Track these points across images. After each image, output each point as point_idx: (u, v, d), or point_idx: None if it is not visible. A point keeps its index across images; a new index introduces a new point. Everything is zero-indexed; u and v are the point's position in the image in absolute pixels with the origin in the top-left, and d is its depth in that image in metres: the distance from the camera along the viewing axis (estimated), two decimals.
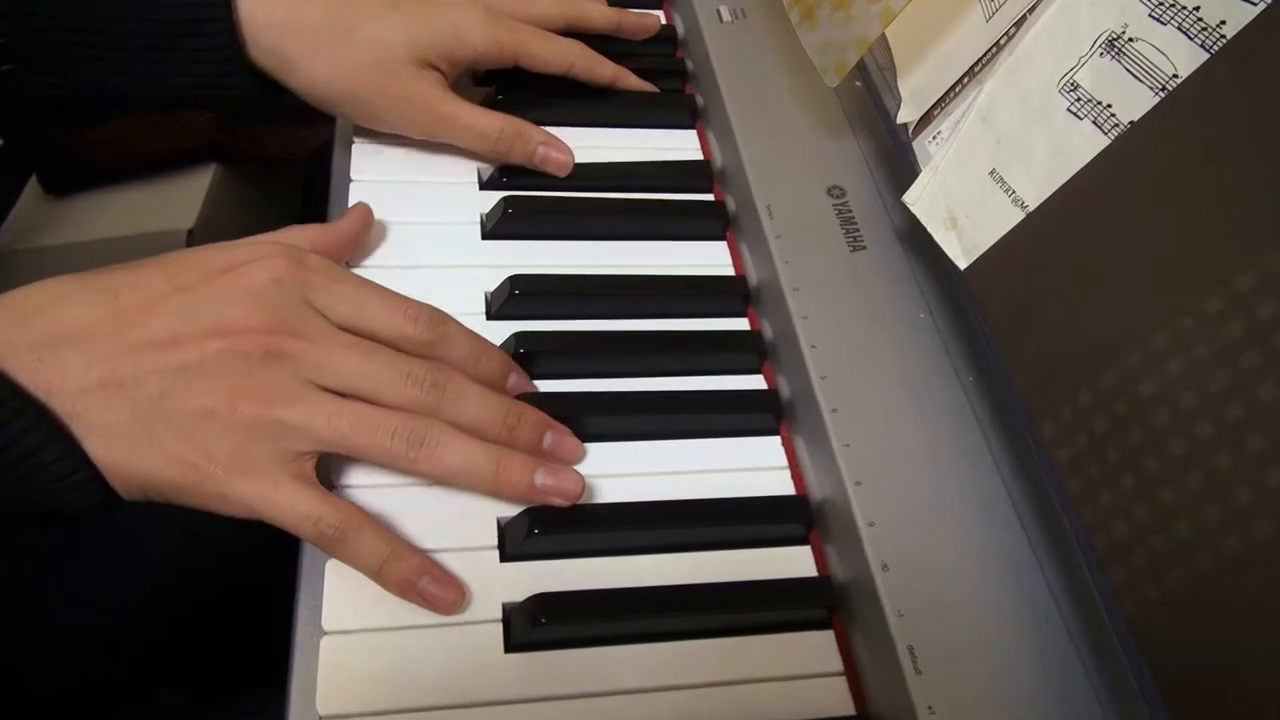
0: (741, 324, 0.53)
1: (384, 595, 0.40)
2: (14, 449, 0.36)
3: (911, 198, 0.48)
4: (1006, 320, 0.42)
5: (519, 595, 0.41)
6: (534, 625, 0.39)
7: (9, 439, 0.36)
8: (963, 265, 0.45)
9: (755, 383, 0.50)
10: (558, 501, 0.42)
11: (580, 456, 0.45)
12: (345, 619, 0.40)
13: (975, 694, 0.38)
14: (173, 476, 0.38)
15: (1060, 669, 0.39)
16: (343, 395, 0.41)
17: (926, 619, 0.39)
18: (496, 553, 0.42)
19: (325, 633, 0.39)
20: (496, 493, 0.42)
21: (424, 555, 0.41)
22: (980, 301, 0.44)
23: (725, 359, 0.51)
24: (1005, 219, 0.44)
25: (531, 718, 0.38)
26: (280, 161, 0.95)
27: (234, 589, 0.62)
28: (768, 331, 0.51)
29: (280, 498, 0.39)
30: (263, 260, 0.42)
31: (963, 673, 0.38)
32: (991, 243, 0.44)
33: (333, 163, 0.57)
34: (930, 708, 0.37)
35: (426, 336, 0.43)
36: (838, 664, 0.42)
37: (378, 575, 0.40)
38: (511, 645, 0.40)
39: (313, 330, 0.41)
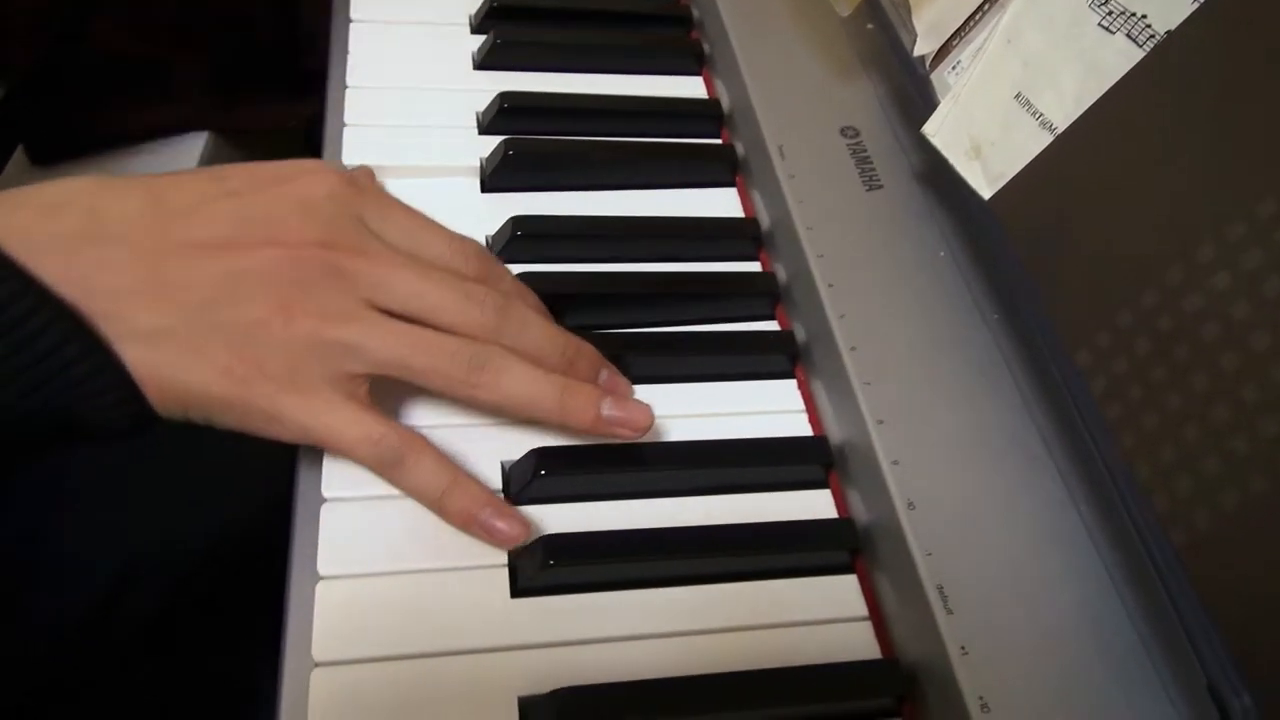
0: (753, 267, 0.51)
1: (382, 539, 0.38)
2: (32, 348, 0.32)
3: (931, 129, 0.46)
4: (1035, 248, 0.40)
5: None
6: (542, 568, 0.37)
7: (25, 337, 0.32)
8: (987, 195, 0.43)
9: (769, 328, 0.48)
10: (625, 434, 0.40)
11: (630, 393, 0.43)
12: (342, 564, 0.37)
13: (1009, 632, 0.36)
14: (221, 391, 0.35)
15: (1096, 601, 0.37)
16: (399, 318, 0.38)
17: (955, 557, 0.37)
18: (500, 496, 0.40)
19: (321, 578, 0.37)
20: (562, 422, 0.40)
21: (486, 487, 0.39)
22: (1007, 230, 0.42)
23: (738, 303, 0.48)
24: (1032, 143, 0.41)
25: (538, 664, 0.36)
26: (270, 132, 0.93)
27: (236, 550, 0.60)
28: (781, 274, 0.49)
29: (337, 418, 0.36)
30: (316, 174, 0.39)
31: (995, 611, 0.36)
32: (1018, 169, 0.42)
33: (324, 132, 0.55)
34: (963, 648, 0.35)
35: (476, 268, 0.41)
36: (862, 608, 0.39)
37: (438, 503, 0.38)
38: (518, 590, 0.38)
39: (370, 248, 0.38)
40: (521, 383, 0.39)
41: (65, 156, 0.86)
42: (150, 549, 0.57)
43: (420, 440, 0.38)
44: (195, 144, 0.88)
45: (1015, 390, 0.43)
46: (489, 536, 0.38)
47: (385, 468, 0.37)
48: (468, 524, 0.38)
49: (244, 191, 0.38)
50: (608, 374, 0.42)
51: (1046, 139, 0.41)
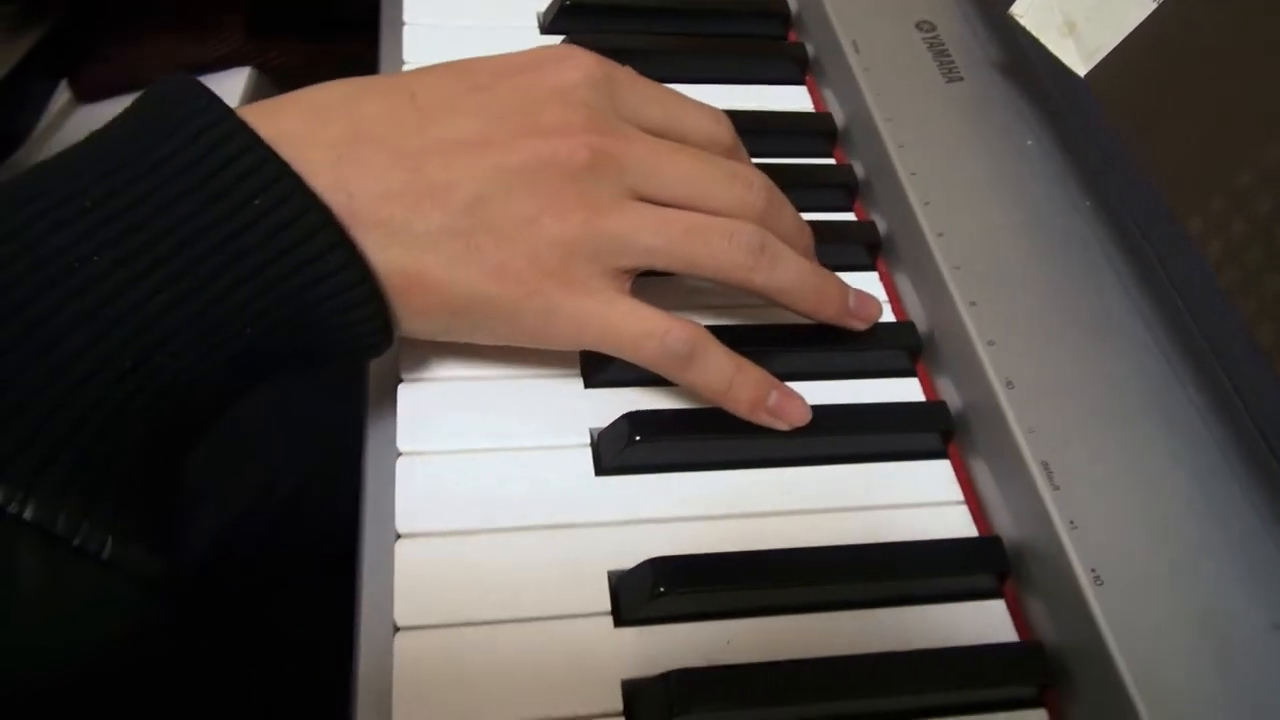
0: (827, 163, 0.49)
1: (459, 412, 0.37)
2: (295, 254, 0.31)
3: (1020, 9, 0.44)
4: (1136, 121, 0.39)
5: (607, 420, 0.38)
6: (628, 444, 0.36)
7: (291, 243, 0.30)
8: (1082, 72, 0.41)
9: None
10: (860, 327, 0.40)
11: None
12: (422, 440, 0.36)
13: (1118, 506, 0.34)
14: (494, 290, 0.34)
15: (1209, 479, 0.35)
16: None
17: (1058, 434, 0.36)
18: (580, 378, 0.39)
19: (401, 453, 0.36)
20: (816, 312, 0.39)
21: (764, 370, 0.37)
22: (1105, 105, 0.40)
23: (812, 194, 0.47)
24: (1132, 13, 0.40)
25: (622, 539, 0.35)
26: (310, 68, 0.92)
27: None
28: (859, 169, 0.48)
29: (616, 313, 0.35)
30: (567, 59, 0.37)
31: (1102, 486, 0.35)
32: (1116, 42, 0.40)
33: (381, 34, 0.53)
34: (1072, 522, 0.34)
35: (731, 142, 0.40)
36: (957, 493, 0.38)
37: (726, 394, 0.36)
38: (602, 468, 0.37)
39: (633, 133, 0.36)
40: (794, 271, 0.37)
41: (108, 93, 0.85)
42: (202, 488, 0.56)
43: (704, 332, 0.36)
44: (238, 80, 0.87)
45: (1110, 272, 0.41)
46: (774, 419, 0.37)
47: (672, 363, 0.36)
48: (756, 410, 0.37)
49: (493, 84, 0.36)
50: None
51: (1149, 8, 0.39)
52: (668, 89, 0.40)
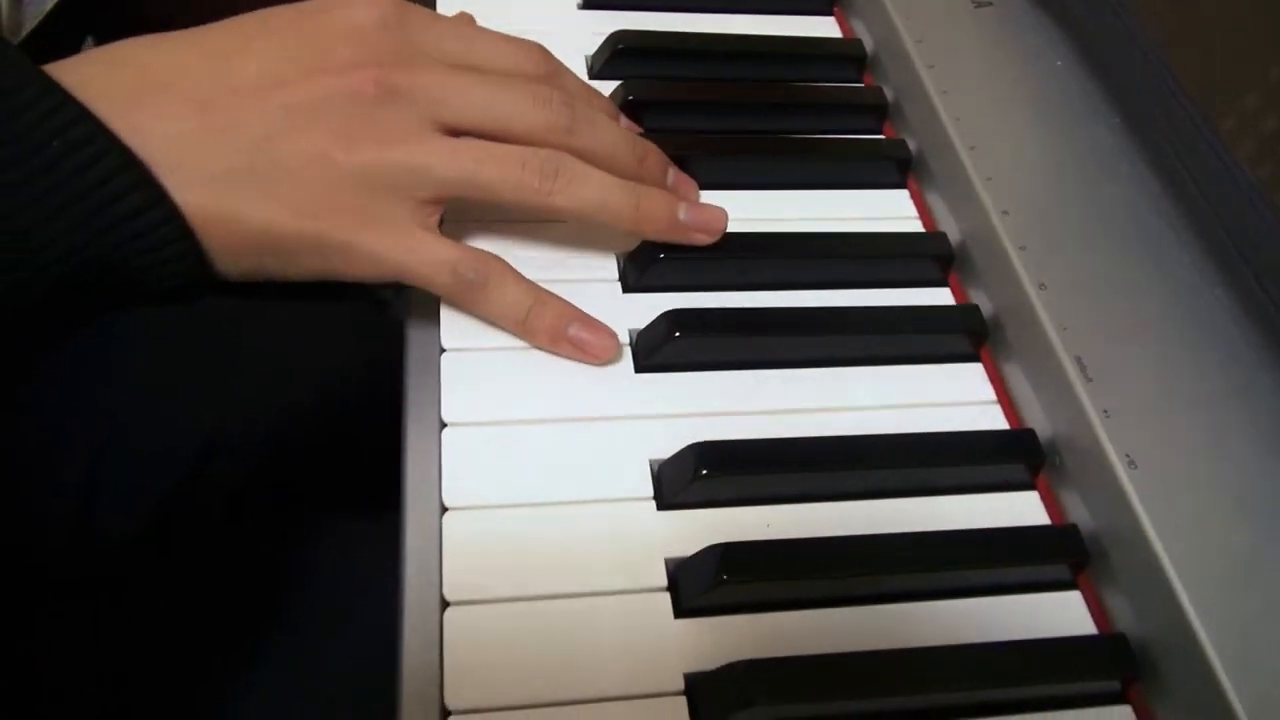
0: (857, 86, 0.50)
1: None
2: (98, 194, 0.31)
3: None
4: (1168, 26, 0.39)
5: (646, 320, 0.38)
6: (667, 340, 0.37)
7: (93, 183, 0.31)
8: None
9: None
10: (701, 239, 0.39)
11: (698, 195, 0.42)
12: (461, 338, 0.37)
13: (1151, 394, 0.35)
14: (291, 228, 0.34)
15: (1238, 370, 0.35)
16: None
17: (1090, 330, 0.36)
18: (619, 284, 0.40)
19: (445, 350, 0.37)
20: (637, 229, 0.38)
21: (569, 303, 0.38)
22: (1137, 13, 0.40)
23: (844, 117, 0.47)
24: None
25: (661, 433, 0.36)
26: None
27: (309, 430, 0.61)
28: (888, 93, 0.48)
29: (412, 245, 0.35)
30: (359, 1, 0.37)
31: (1135, 377, 0.35)
32: None
33: None
34: (1105, 411, 0.34)
35: (541, 71, 0.40)
36: (990, 393, 0.39)
37: (523, 325, 0.37)
38: (641, 365, 0.37)
39: (426, 64, 0.37)
40: (597, 188, 0.37)
41: None
42: (226, 429, 0.57)
43: (499, 261, 0.37)
44: None
45: (1138, 181, 0.41)
46: (576, 351, 0.37)
47: (466, 292, 0.36)
48: (555, 341, 0.37)
49: (288, 26, 0.37)
50: (674, 174, 0.41)
51: None
52: (469, 25, 0.40)
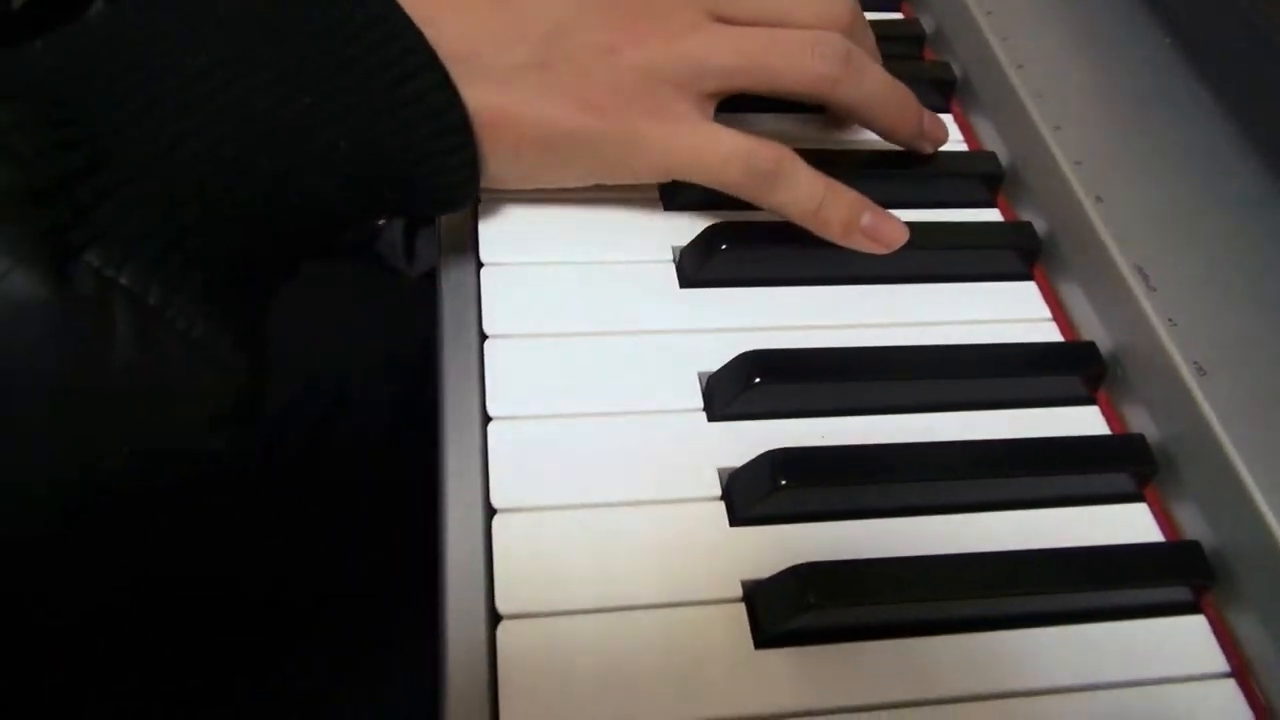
0: (894, 16, 0.48)
1: (542, 234, 0.37)
2: (401, 90, 0.30)
3: None
4: None
5: (688, 238, 0.37)
6: (711, 253, 0.35)
7: (398, 77, 0.30)
8: None
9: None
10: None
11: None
12: (500, 252, 0.36)
13: (1216, 300, 0.33)
14: (579, 123, 0.33)
15: None
16: None
17: (1149, 239, 0.35)
18: (660, 203, 0.39)
19: (483, 264, 0.36)
20: (894, 129, 0.38)
21: (857, 192, 0.36)
22: None
23: (884, 46, 0.46)
24: None
25: (710, 346, 0.34)
26: None
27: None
28: (927, 24, 0.47)
29: (700, 137, 0.34)
30: None
31: (1199, 283, 0.34)
32: None
33: None
34: (1171, 320, 0.33)
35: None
36: (1045, 311, 0.37)
37: (816, 215, 0.35)
38: (685, 280, 0.36)
39: None
40: (878, 81, 0.37)
41: None
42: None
43: (789, 151, 0.35)
44: None
45: (1190, 94, 0.40)
46: (869, 242, 0.36)
47: (758, 185, 0.35)
48: (849, 233, 0.35)
49: None
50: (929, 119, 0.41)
51: None
52: None
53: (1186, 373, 0.32)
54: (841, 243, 0.36)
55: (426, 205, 0.34)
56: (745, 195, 0.35)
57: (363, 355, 0.60)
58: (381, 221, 1.04)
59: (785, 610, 0.28)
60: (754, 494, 0.30)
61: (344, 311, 0.63)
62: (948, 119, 0.44)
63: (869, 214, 0.36)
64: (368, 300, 0.66)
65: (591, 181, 0.36)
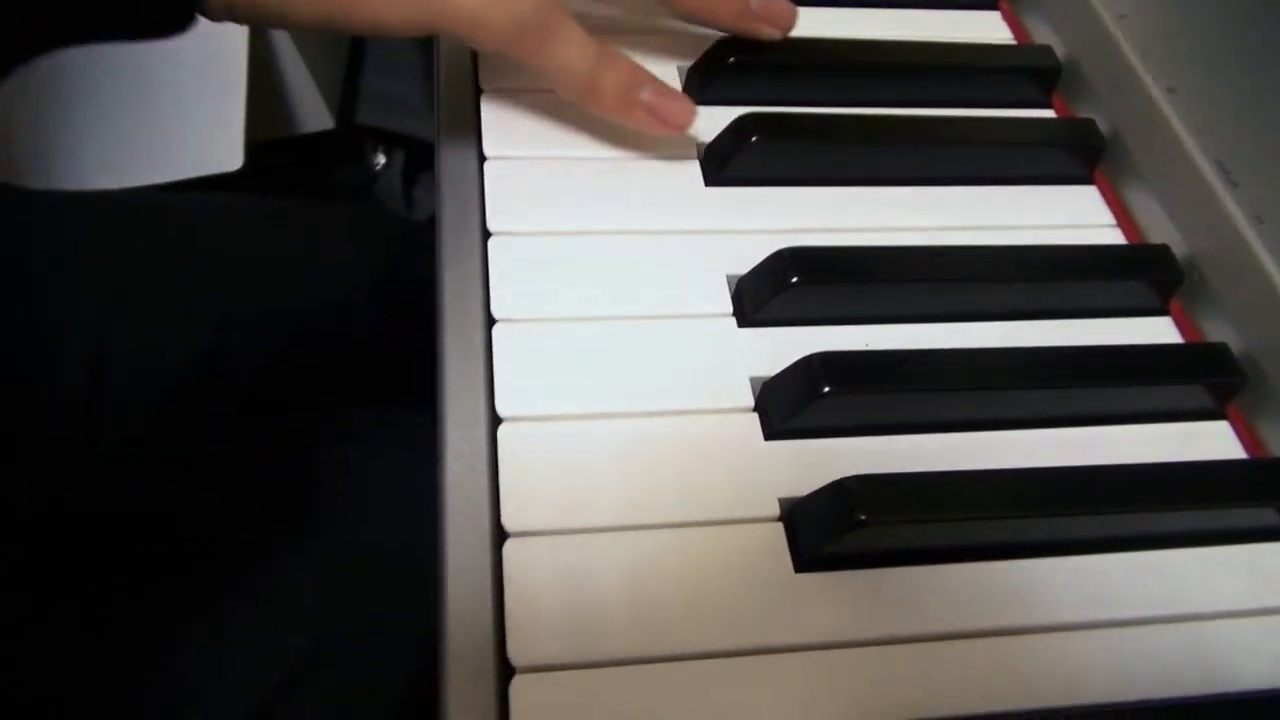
0: None
1: (551, 128, 0.33)
2: None
3: None
4: None
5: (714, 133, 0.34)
6: (741, 146, 0.32)
7: None
8: None
9: None
10: (768, 31, 0.34)
11: None
12: (507, 146, 0.32)
13: None
14: None
15: None
16: None
17: (1229, 131, 0.31)
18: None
19: (486, 158, 0.32)
20: (711, 16, 0.34)
21: (638, 64, 0.32)
22: None
23: None
24: None
25: (738, 247, 0.31)
26: None
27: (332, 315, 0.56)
28: None
29: None
30: None
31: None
32: None
33: None
34: (1257, 216, 0.30)
35: None
36: (1108, 216, 0.34)
37: (588, 84, 0.31)
38: (712, 178, 0.33)
39: None
40: None
41: None
42: (237, 321, 0.53)
43: (563, 10, 0.31)
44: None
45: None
46: (653, 119, 0.31)
47: (523, 41, 0.30)
48: (626, 106, 0.31)
49: None
50: None
51: None
52: None
53: (1277, 275, 0.29)
54: (619, 119, 0.32)
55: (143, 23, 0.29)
56: (512, 53, 0.30)
57: (359, 288, 0.58)
58: (380, 163, 1.00)
59: (830, 529, 0.24)
60: (792, 403, 0.27)
61: (341, 247, 0.60)
62: (995, 17, 0.40)
63: (650, 87, 0.31)
64: (365, 236, 0.63)
65: (329, 28, 0.30)
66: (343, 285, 0.57)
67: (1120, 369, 0.28)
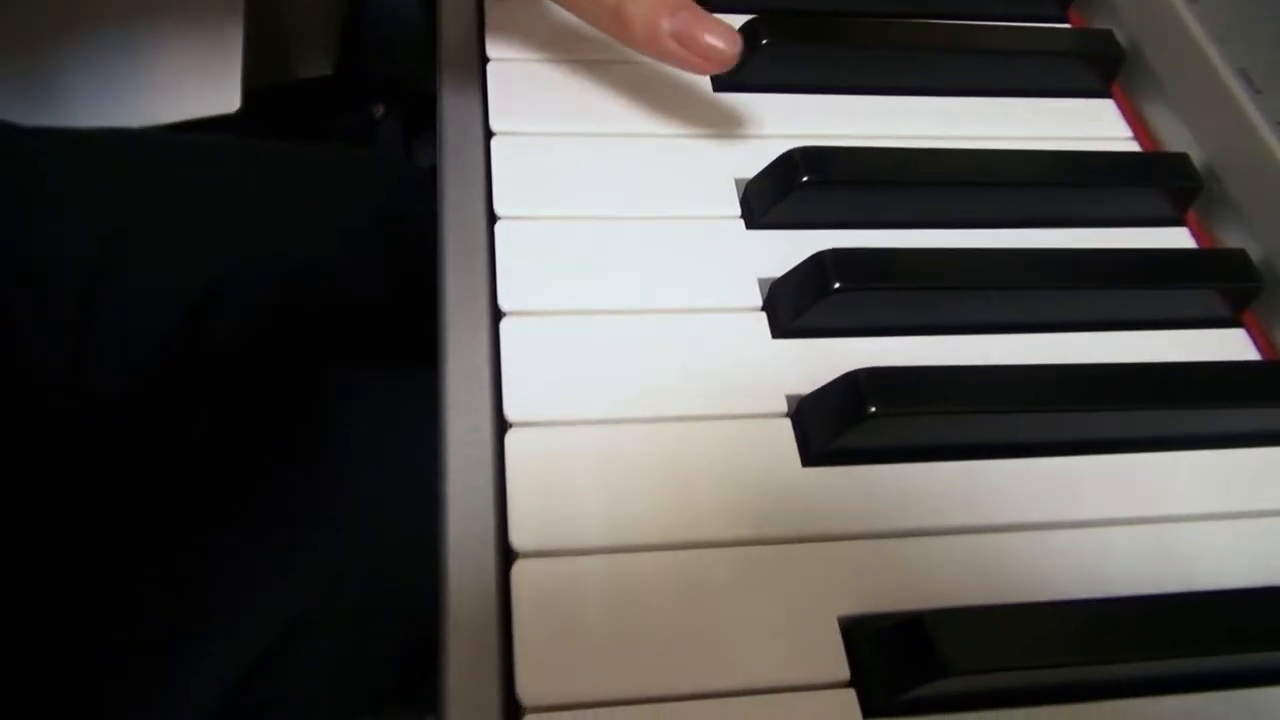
0: None
1: (554, 31, 0.32)
2: None
3: None
4: None
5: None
6: (753, 50, 0.31)
7: None
8: None
9: None
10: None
11: None
12: (507, 48, 0.31)
13: None
14: None
15: None
16: None
17: (1253, 38, 0.31)
18: None
19: (489, 60, 0.31)
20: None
21: None
22: None
23: None
24: None
25: (747, 151, 0.30)
26: None
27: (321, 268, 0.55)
28: None
29: None
30: None
31: None
32: None
33: None
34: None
35: None
36: (1125, 130, 0.33)
37: (614, 13, 0.28)
38: (720, 84, 0.32)
39: None
40: None
41: None
42: (231, 269, 0.52)
43: None
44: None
45: None
46: (685, 53, 0.28)
47: None
48: (654, 37, 0.28)
49: None
50: None
51: None
52: None
53: None
54: (647, 52, 0.28)
55: None
56: None
57: (358, 235, 0.57)
58: (379, 113, 0.99)
59: (840, 420, 0.24)
60: (802, 300, 0.26)
61: (340, 193, 0.59)
62: None
63: (685, 14, 0.27)
64: (365, 182, 0.62)
65: None
66: (341, 232, 0.56)
67: (1137, 271, 0.27)
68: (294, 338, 0.54)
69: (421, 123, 0.98)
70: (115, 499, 0.47)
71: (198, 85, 0.77)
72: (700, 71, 0.29)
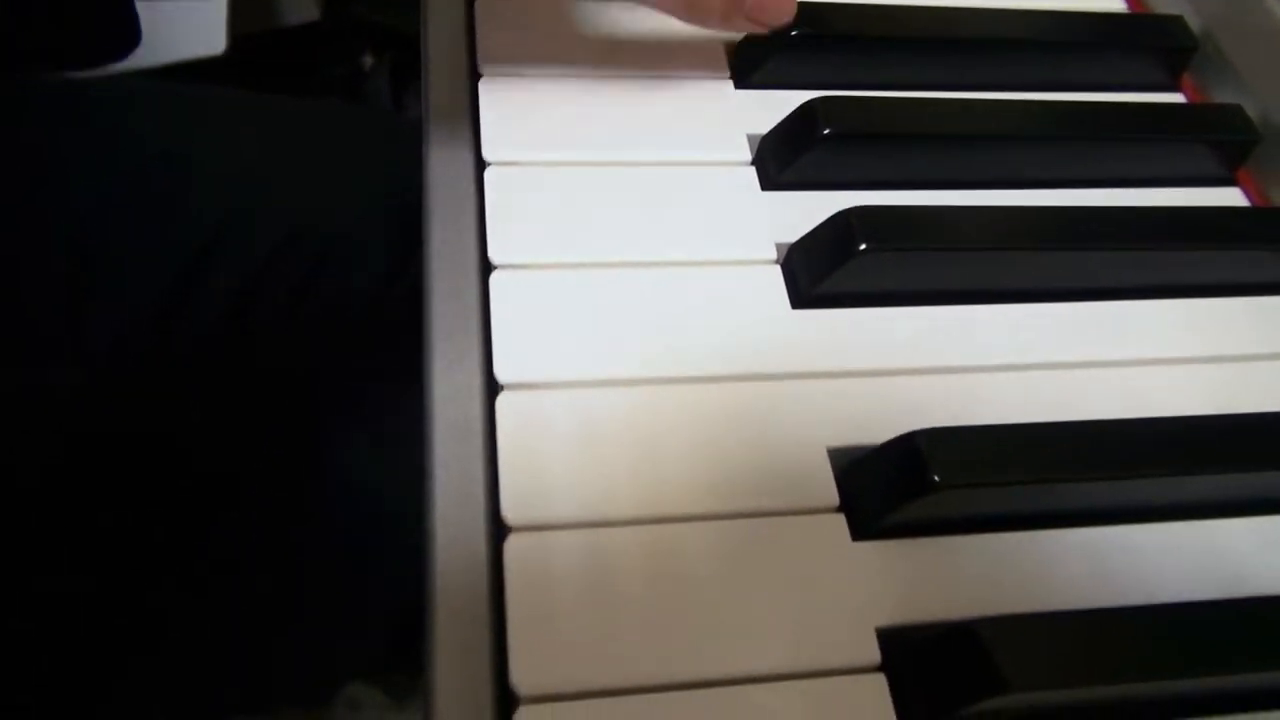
0: None
1: None
2: None
3: None
4: None
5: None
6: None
7: None
8: None
9: None
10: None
11: None
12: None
13: None
14: None
15: None
16: None
17: None
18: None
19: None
20: None
21: None
22: None
23: None
24: None
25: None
26: None
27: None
28: None
29: None
30: None
31: None
32: None
33: None
34: None
35: None
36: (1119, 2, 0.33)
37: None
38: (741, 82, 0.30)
39: None
40: None
41: None
42: (225, 230, 0.50)
43: None
44: None
45: None
46: (754, 23, 0.27)
47: None
48: (729, 15, 0.27)
49: None
50: None
51: None
52: None
53: None
54: (720, 28, 0.27)
55: None
56: None
57: (355, 201, 0.55)
58: (368, 64, 0.98)
59: (831, 258, 0.23)
60: (792, 149, 0.26)
61: (335, 153, 0.57)
62: None
63: None
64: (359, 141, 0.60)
65: None
66: (335, 189, 0.54)
67: (1133, 122, 0.27)
68: (283, 304, 0.52)
69: (411, 74, 0.97)
70: (104, 459, 0.46)
71: (182, 25, 0.76)
72: (761, 31, 0.28)
